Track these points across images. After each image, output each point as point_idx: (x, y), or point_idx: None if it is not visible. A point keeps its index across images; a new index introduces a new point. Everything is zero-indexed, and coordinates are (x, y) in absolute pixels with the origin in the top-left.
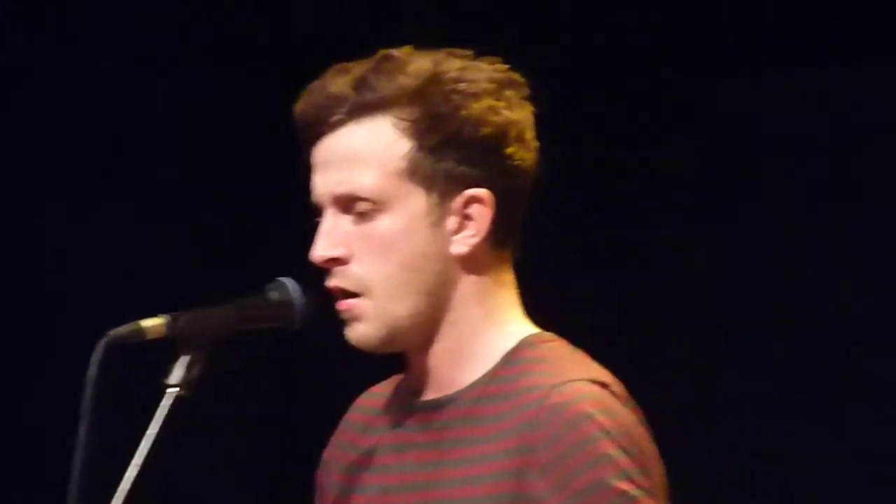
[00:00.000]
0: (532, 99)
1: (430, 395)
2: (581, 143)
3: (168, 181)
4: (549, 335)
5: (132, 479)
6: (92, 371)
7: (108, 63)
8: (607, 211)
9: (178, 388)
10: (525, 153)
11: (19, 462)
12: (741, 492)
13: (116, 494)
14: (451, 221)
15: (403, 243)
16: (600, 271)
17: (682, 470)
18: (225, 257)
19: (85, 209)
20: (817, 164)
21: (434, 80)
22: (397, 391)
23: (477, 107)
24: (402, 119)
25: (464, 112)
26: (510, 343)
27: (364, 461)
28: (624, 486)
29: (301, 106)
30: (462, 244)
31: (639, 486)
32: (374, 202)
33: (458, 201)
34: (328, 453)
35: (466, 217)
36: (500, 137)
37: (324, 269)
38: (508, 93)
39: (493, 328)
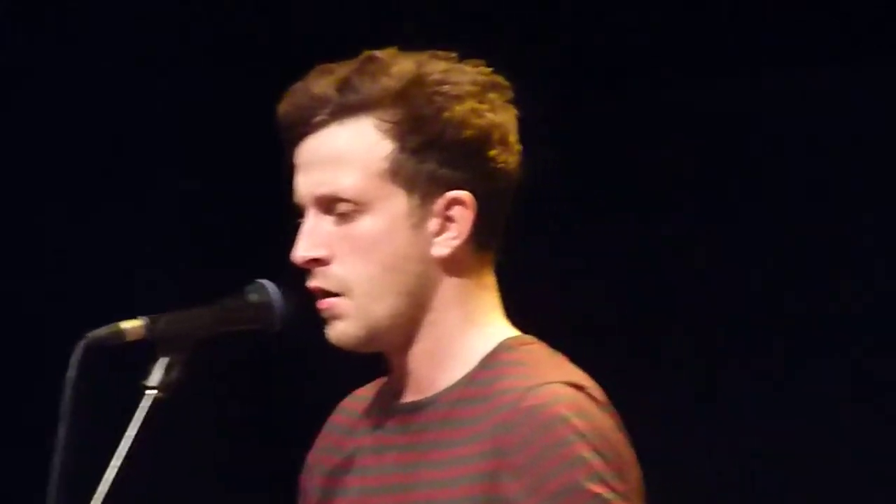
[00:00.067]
0: (516, 102)
1: (409, 397)
2: (581, 143)
3: (168, 181)
4: (528, 338)
5: (111, 480)
6: (71, 372)
7: (108, 63)
8: (607, 211)
9: (156, 390)
10: (508, 156)
11: (19, 462)
12: (741, 492)
13: (95, 496)
14: (433, 223)
15: (384, 244)
16: (600, 271)
17: (683, 470)
18: (225, 257)
19: (85, 209)
20: (817, 164)
21: (417, 81)
22: (379, 393)
23: (460, 109)
24: (385, 120)
25: (446, 114)
26: (489, 346)
27: (347, 463)
28: (598, 488)
29: (284, 106)
30: (443, 246)
31: (613, 490)
32: (355, 203)
33: (440, 203)
34: (312, 456)
35: (448, 219)
36: (483, 140)
37: (305, 270)
38: (492, 95)
39: (473, 330)
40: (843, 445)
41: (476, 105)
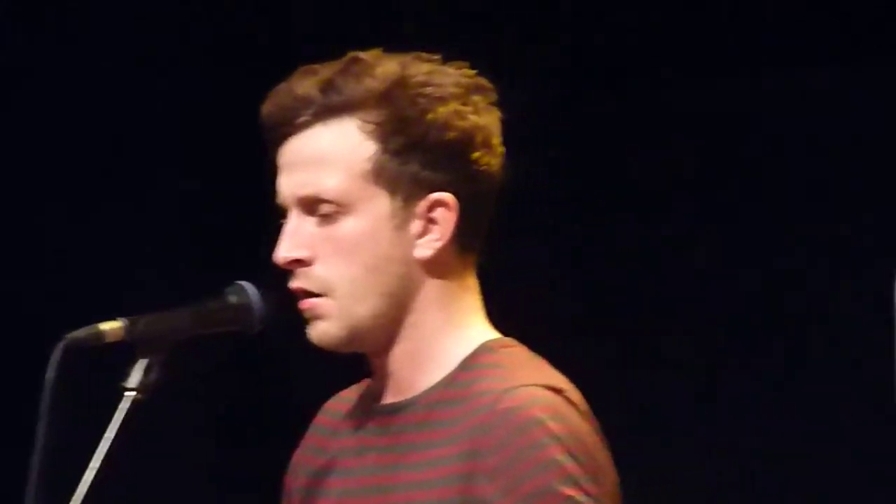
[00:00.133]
0: (499, 104)
1: (389, 398)
2: (581, 143)
3: (168, 181)
4: (508, 340)
5: (89, 482)
6: (50, 373)
7: (108, 63)
8: (607, 211)
9: (135, 392)
10: (491, 158)
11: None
12: (741, 491)
13: (74, 497)
14: (416, 225)
15: (367, 245)
16: (600, 271)
17: (683, 470)
18: (225, 257)
19: (85, 209)
20: (817, 164)
21: (401, 83)
22: (362, 395)
23: (443, 111)
24: (368, 122)
25: (430, 116)
26: (469, 348)
27: (329, 465)
28: (571, 492)
29: (268, 107)
30: (426, 248)
31: (587, 493)
32: (338, 204)
33: (423, 205)
34: (296, 457)
35: (431, 221)
36: (466, 142)
37: (287, 271)
38: (475, 98)
39: (454, 332)
40: (843, 445)
41: (459, 107)
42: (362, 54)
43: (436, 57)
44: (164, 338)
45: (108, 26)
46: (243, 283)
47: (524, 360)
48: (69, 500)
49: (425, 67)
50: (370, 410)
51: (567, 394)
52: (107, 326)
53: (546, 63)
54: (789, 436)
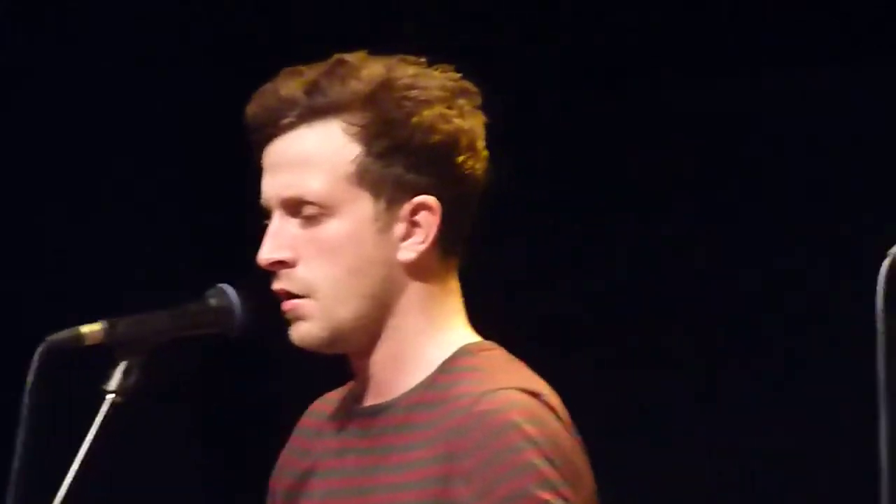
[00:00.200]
0: (484, 108)
1: (370, 400)
2: (581, 143)
3: (168, 181)
4: (488, 344)
5: (69, 484)
6: (30, 377)
7: (108, 63)
8: (607, 210)
9: (115, 394)
10: (475, 162)
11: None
12: (741, 492)
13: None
14: (399, 228)
15: (350, 248)
16: (599, 271)
17: (682, 470)
18: (225, 257)
19: (85, 209)
20: (817, 164)
21: (386, 85)
22: (345, 397)
23: (428, 114)
24: (353, 124)
25: (415, 119)
26: (449, 351)
27: (312, 466)
28: (546, 495)
29: (252, 108)
30: (409, 251)
31: (563, 497)
32: (321, 206)
33: (407, 208)
34: (282, 459)
35: (414, 224)
36: (451, 145)
37: (270, 272)
38: (460, 101)
39: (435, 335)
40: (843, 445)
41: (444, 110)
42: (347, 56)
43: (421, 60)
44: (144, 340)
45: (108, 26)
46: (224, 285)
47: (503, 363)
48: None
49: (411, 70)
50: (351, 412)
51: (545, 397)
52: (86, 329)
53: (546, 63)
54: (789, 436)
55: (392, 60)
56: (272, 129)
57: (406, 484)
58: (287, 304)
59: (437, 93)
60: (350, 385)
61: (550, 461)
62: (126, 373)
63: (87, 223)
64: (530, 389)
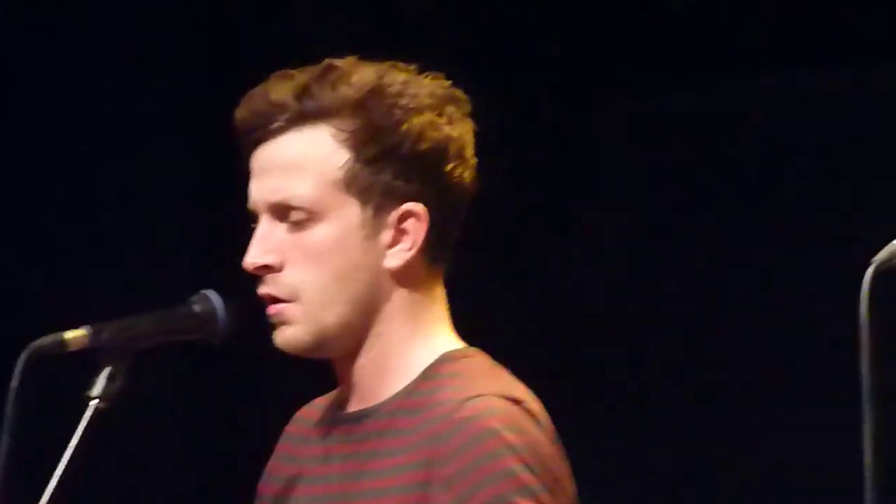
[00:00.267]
0: (474, 115)
1: (353, 406)
2: (580, 144)
3: (168, 181)
4: (471, 350)
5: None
6: (13, 382)
7: (108, 63)
8: (607, 210)
9: (99, 400)
10: (463, 170)
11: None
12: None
13: None
14: (386, 235)
15: (336, 253)
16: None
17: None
18: (225, 257)
19: (85, 209)
20: (817, 164)
21: (376, 92)
22: (331, 403)
23: (418, 121)
24: (342, 130)
25: (404, 126)
26: (432, 357)
27: (298, 472)
28: (525, 502)
29: (242, 112)
30: (395, 258)
31: None
32: (308, 211)
33: (394, 215)
34: (269, 465)
35: (401, 231)
36: (440, 153)
37: (256, 276)
38: (450, 109)
39: (420, 342)
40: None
41: (434, 118)
42: (338, 61)
43: (412, 66)
44: (128, 345)
45: (108, 26)
46: (208, 291)
47: (484, 370)
48: None
49: (401, 77)
50: (336, 418)
51: (526, 404)
52: (70, 335)
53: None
54: (789, 436)
55: (383, 66)
56: (261, 133)
57: (389, 489)
58: (272, 309)
59: (426, 100)
60: (336, 391)
61: (529, 468)
62: (110, 378)
63: (87, 223)
64: (511, 396)
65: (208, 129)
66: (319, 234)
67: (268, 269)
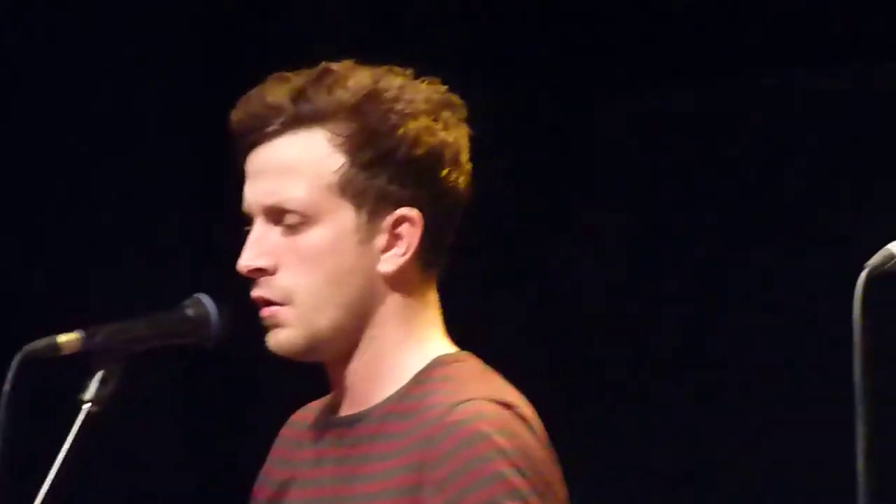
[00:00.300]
0: (472, 117)
1: (346, 410)
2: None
3: (168, 181)
4: (463, 354)
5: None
6: (6, 386)
7: (108, 63)
8: (607, 210)
9: (92, 403)
10: (458, 175)
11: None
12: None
13: None
14: (381, 239)
15: (330, 257)
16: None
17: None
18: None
19: (85, 209)
20: (817, 164)
21: (373, 96)
22: (325, 407)
23: (414, 126)
24: (338, 134)
25: (400, 131)
26: (424, 361)
27: (292, 476)
28: None
29: (238, 114)
30: (389, 263)
31: None
32: (302, 215)
33: (389, 220)
34: (264, 468)
35: (396, 236)
36: (435, 158)
37: (249, 279)
38: (445, 114)
39: (412, 346)
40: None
41: (430, 123)
42: (334, 65)
43: (408, 71)
44: (121, 349)
45: (107, 26)
46: (201, 295)
47: (476, 374)
48: None
49: (397, 81)
50: (328, 422)
51: (518, 409)
52: (63, 338)
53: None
54: (789, 436)
55: (379, 71)
56: (257, 135)
57: (381, 493)
58: (265, 311)
59: (422, 105)
60: (330, 395)
61: (520, 472)
62: (103, 382)
63: (87, 223)
64: (502, 400)
65: (208, 129)
66: (314, 237)
67: (261, 272)
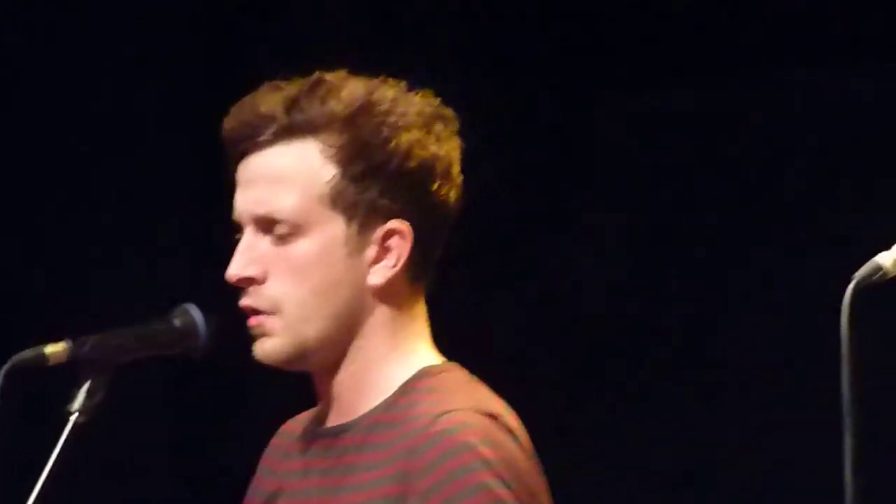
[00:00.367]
0: (461, 134)
1: (332, 421)
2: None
3: (168, 181)
4: (449, 365)
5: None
6: None
7: (108, 63)
8: (606, 211)
9: (79, 414)
10: (449, 189)
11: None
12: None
13: None
14: (370, 251)
15: (319, 268)
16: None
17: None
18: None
19: (85, 209)
20: (817, 164)
21: (365, 109)
22: (312, 418)
23: (406, 139)
24: (330, 145)
25: (392, 144)
26: (410, 372)
27: (279, 487)
28: None
29: (230, 122)
30: (378, 275)
31: None
32: (292, 225)
33: (379, 232)
34: (254, 479)
35: (385, 249)
36: (427, 172)
37: (238, 288)
38: (438, 127)
39: (399, 358)
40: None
41: (422, 136)
42: (328, 75)
43: (401, 83)
44: (108, 359)
45: (107, 26)
46: (188, 305)
47: (461, 385)
48: None
49: (390, 94)
50: (315, 433)
51: (502, 419)
52: (51, 349)
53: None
54: (789, 436)
55: (373, 82)
56: (248, 144)
57: (366, 503)
58: (253, 320)
59: (415, 118)
60: (318, 406)
61: (505, 482)
62: (90, 392)
63: (87, 223)
64: (487, 411)
65: (208, 129)
66: (303, 248)
67: (250, 281)
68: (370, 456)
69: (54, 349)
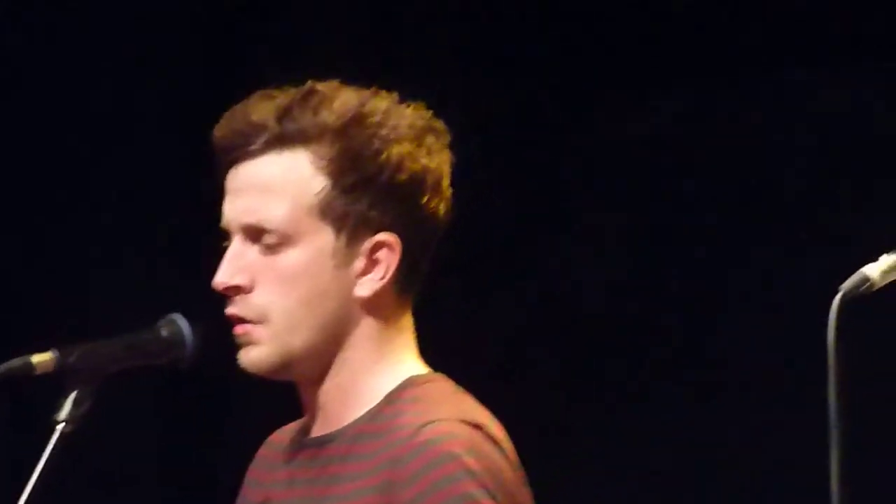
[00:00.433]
0: (452, 147)
1: (317, 431)
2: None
3: (168, 181)
4: (435, 375)
5: None
6: None
7: (107, 63)
8: (606, 211)
9: (66, 423)
10: (439, 202)
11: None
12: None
13: None
14: (358, 263)
15: (306, 279)
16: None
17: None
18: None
19: (85, 209)
20: (817, 164)
21: (357, 120)
22: (299, 428)
23: (397, 152)
24: (321, 156)
25: (383, 156)
26: (396, 383)
27: (265, 497)
28: None
29: (221, 129)
30: (366, 287)
31: None
32: (281, 235)
33: (367, 244)
34: (242, 489)
35: (373, 261)
36: (417, 185)
37: (224, 296)
38: (429, 140)
39: (385, 369)
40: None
41: (413, 149)
42: (320, 85)
43: (393, 95)
44: (95, 369)
45: (107, 26)
46: (175, 315)
47: (446, 395)
48: None
49: (382, 105)
50: (300, 444)
51: (487, 429)
52: (37, 358)
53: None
54: (788, 436)
55: (365, 93)
56: (239, 152)
57: None
58: (239, 329)
59: (406, 130)
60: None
61: (489, 493)
62: (77, 402)
63: (87, 224)
64: (472, 421)
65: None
66: (291, 258)
67: (237, 289)
68: (355, 466)
69: (41, 358)
